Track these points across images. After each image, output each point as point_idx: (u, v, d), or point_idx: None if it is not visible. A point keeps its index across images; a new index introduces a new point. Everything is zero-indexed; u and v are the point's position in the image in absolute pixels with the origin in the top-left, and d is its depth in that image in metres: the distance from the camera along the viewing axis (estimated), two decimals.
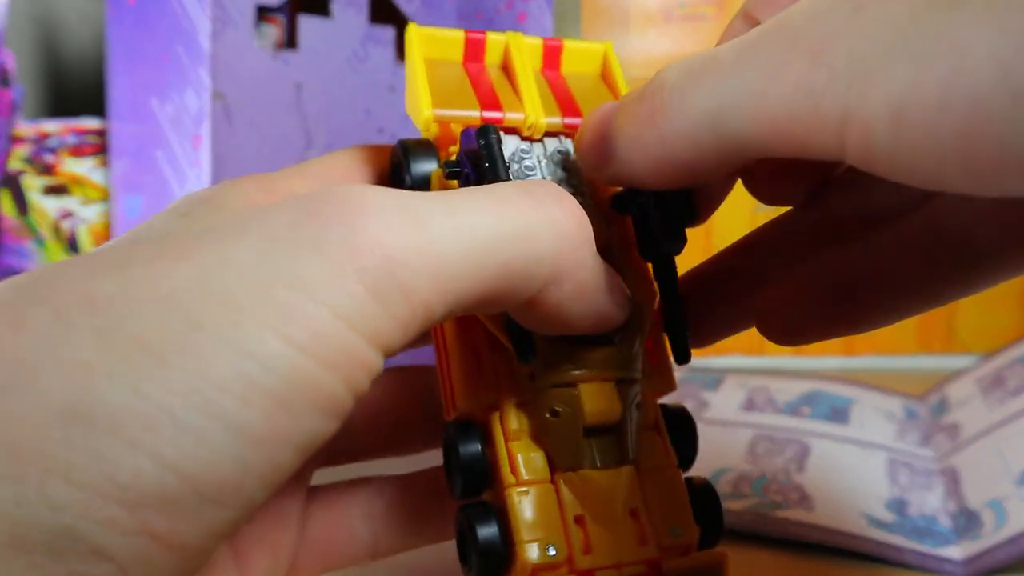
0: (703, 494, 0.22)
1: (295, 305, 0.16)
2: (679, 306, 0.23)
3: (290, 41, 0.56)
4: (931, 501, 0.39)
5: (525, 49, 0.25)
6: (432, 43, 0.24)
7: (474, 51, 0.25)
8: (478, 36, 0.25)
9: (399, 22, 0.57)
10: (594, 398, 0.20)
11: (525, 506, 0.20)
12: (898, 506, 0.38)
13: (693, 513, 0.22)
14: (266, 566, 0.23)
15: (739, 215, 0.64)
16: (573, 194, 0.20)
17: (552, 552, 0.20)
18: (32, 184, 0.45)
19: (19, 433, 0.15)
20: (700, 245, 0.66)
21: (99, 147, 0.47)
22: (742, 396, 0.55)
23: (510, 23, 0.57)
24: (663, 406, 0.24)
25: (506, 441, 0.21)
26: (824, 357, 0.65)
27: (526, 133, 0.24)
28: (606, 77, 0.26)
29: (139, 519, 0.15)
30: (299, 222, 0.17)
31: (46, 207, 0.46)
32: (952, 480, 0.41)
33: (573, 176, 0.23)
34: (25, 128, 0.45)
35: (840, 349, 0.65)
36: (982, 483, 0.38)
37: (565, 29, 0.63)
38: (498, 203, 0.18)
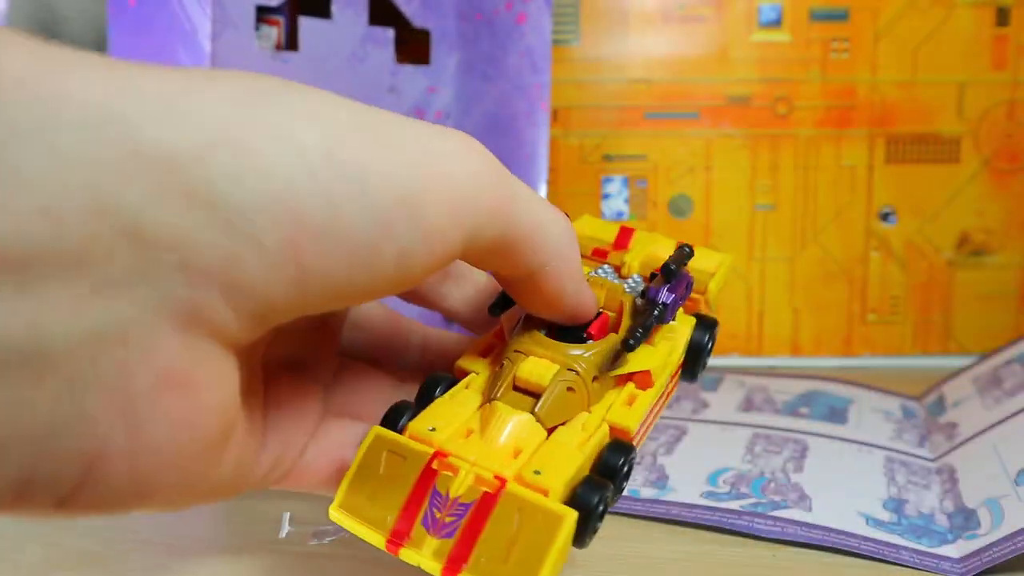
0: (607, 466, 0.26)
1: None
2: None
3: (290, 42, 0.56)
4: (928, 500, 0.39)
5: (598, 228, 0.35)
6: None
7: None
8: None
9: (399, 23, 0.57)
10: (531, 366, 0.27)
11: (437, 405, 0.27)
12: (895, 505, 0.38)
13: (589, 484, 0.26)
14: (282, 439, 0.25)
15: (738, 212, 0.64)
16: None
17: (430, 429, 0.26)
18: None
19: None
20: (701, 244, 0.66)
21: None
22: (741, 396, 0.55)
23: (510, 24, 0.57)
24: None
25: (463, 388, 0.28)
26: (822, 357, 0.66)
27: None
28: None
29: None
30: None
31: None
32: (949, 479, 0.41)
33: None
34: None
35: (839, 350, 0.66)
36: (979, 482, 0.38)
37: (564, 30, 0.63)
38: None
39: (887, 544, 0.35)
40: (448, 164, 0.20)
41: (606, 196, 0.64)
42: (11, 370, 0.15)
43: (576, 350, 0.28)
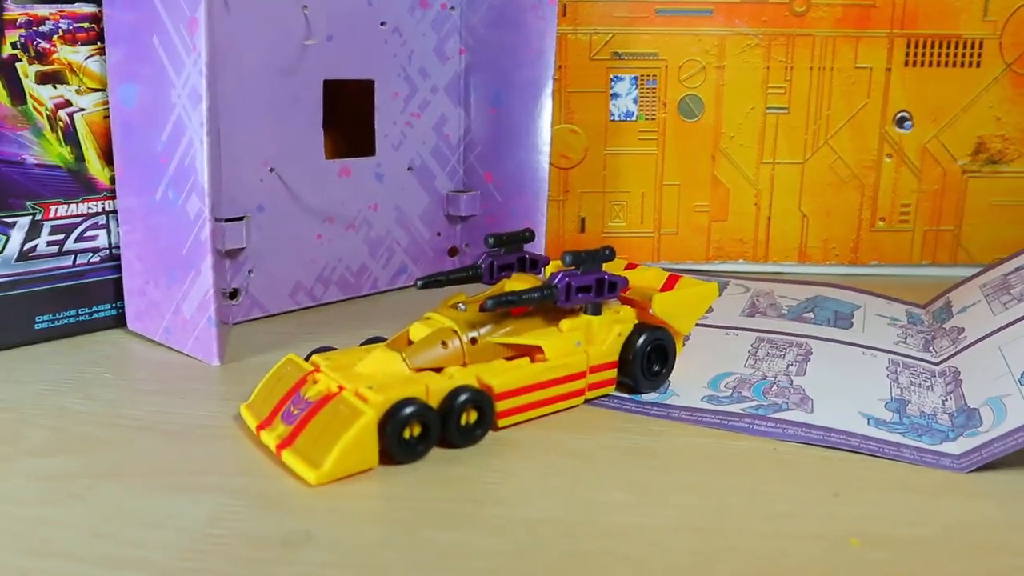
0: (447, 401, 0.34)
1: None
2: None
3: None
4: (931, 400, 0.39)
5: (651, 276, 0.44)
6: None
7: None
8: None
9: None
10: (417, 326, 0.37)
11: (347, 349, 0.38)
12: (898, 406, 0.39)
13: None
14: None
15: (750, 114, 0.63)
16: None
17: (325, 358, 0.36)
18: (26, 71, 0.44)
19: None
20: (710, 189, 0.65)
21: (95, 34, 0.46)
22: (745, 301, 0.55)
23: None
24: None
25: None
26: (830, 265, 0.65)
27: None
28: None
29: None
30: None
31: (42, 96, 0.45)
32: (953, 380, 0.41)
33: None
34: (15, 11, 0.44)
35: (847, 258, 0.65)
36: (983, 383, 0.38)
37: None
38: None
39: (887, 443, 0.35)
40: None
41: (615, 95, 0.63)
42: None
43: (460, 315, 0.37)
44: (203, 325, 0.44)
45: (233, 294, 0.51)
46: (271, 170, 0.51)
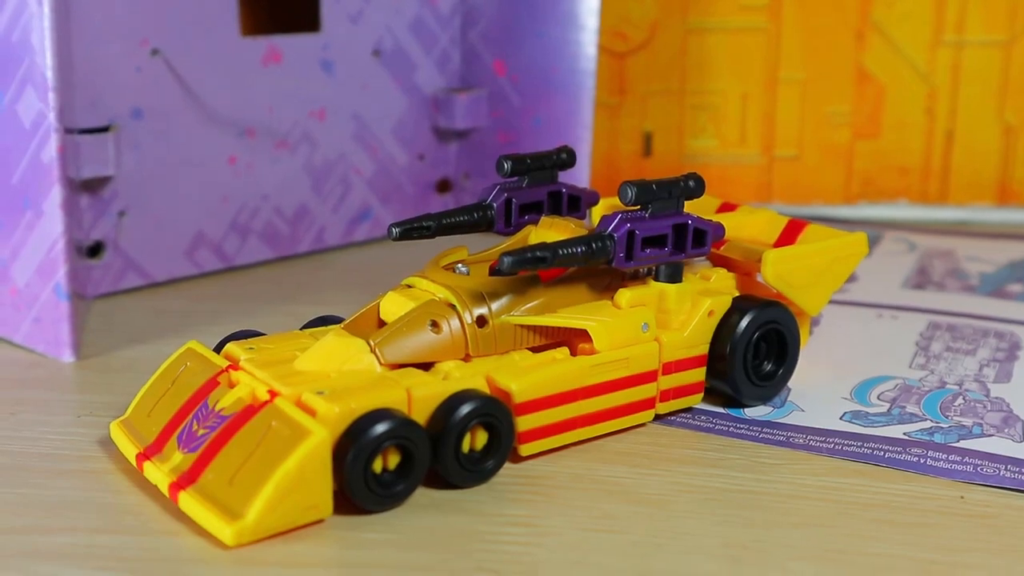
0: (441, 415, 0.35)
1: None
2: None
3: None
4: None
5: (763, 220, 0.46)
6: None
7: None
8: None
9: None
10: (391, 299, 0.38)
11: (279, 335, 0.39)
12: None
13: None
14: None
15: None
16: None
17: (248, 348, 0.37)
18: None
19: None
20: (854, 87, 0.64)
21: None
22: (910, 265, 0.55)
23: None
24: None
25: None
26: None
27: None
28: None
29: None
30: None
31: None
32: None
33: None
34: None
35: None
36: None
37: None
38: None
39: None
40: None
41: None
42: None
43: (460, 281, 0.38)
44: (46, 298, 0.44)
45: (95, 250, 0.51)
46: (154, 52, 0.51)
